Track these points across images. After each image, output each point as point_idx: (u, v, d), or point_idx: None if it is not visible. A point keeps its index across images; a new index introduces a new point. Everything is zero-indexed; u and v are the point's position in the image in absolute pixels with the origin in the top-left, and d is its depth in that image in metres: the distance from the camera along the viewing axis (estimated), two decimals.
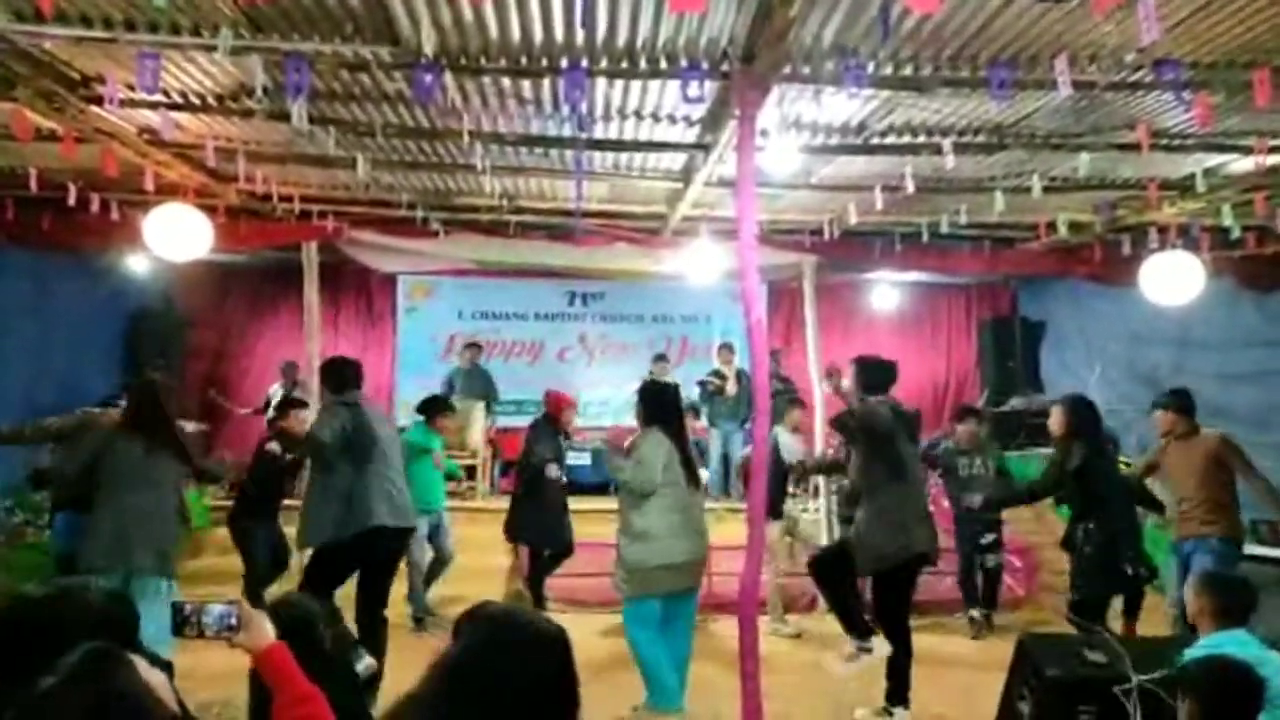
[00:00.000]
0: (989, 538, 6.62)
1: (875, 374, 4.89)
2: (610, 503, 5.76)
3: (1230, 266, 7.55)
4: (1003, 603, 6.96)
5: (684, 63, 4.38)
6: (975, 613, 6.69)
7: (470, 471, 9.06)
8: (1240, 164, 5.80)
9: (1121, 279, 7.54)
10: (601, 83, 4.72)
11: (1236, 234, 6.74)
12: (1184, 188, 6.32)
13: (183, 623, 2.04)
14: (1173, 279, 6.50)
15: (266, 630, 2.03)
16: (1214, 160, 5.85)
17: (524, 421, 10.32)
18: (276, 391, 9.01)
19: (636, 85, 4.78)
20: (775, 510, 6.44)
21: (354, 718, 2.77)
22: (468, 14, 3.95)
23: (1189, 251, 6.67)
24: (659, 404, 4.76)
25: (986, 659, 5.53)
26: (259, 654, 2.01)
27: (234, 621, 2.02)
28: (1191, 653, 2.95)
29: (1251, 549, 5.70)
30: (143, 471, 4.38)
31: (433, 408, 6.76)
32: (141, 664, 1.54)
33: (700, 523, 4.70)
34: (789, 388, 9.38)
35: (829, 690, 5.07)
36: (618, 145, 5.74)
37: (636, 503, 4.47)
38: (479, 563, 7.09)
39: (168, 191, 6.33)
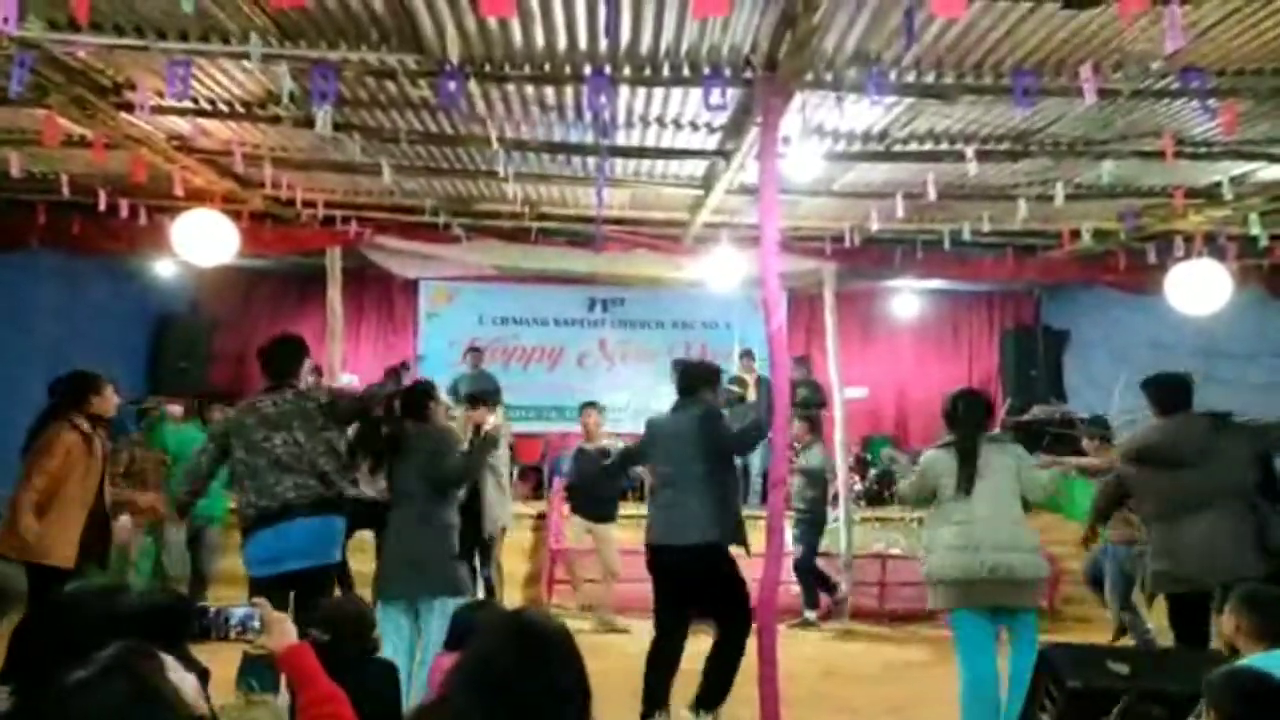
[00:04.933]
0: None
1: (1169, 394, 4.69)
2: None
3: (1257, 275, 7.47)
4: None
5: (706, 70, 4.39)
6: None
7: None
8: (1267, 172, 5.74)
9: (1147, 287, 7.47)
10: (624, 90, 4.73)
11: (1264, 242, 6.66)
12: (1210, 196, 6.26)
13: (206, 626, 2.07)
14: (1199, 288, 6.45)
15: (288, 632, 2.06)
16: (1241, 168, 5.79)
17: (542, 427, 10.46)
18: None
19: (659, 92, 4.80)
20: (611, 514, 7.02)
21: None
22: (492, 22, 3.98)
23: (1215, 260, 6.62)
24: (952, 416, 4.35)
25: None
26: (281, 655, 2.04)
27: (256, 624, 2.05)
28: None
29: None
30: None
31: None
32: (173, 665, 1.56)
33: (1006, 536, 4.10)
34: (816, 394, 9.30)
35: (844, 696, 5.05)
36: (640, 152, 5.76)
37: (929, 514, 4.23)
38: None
39: (195, 197, 6.42)
